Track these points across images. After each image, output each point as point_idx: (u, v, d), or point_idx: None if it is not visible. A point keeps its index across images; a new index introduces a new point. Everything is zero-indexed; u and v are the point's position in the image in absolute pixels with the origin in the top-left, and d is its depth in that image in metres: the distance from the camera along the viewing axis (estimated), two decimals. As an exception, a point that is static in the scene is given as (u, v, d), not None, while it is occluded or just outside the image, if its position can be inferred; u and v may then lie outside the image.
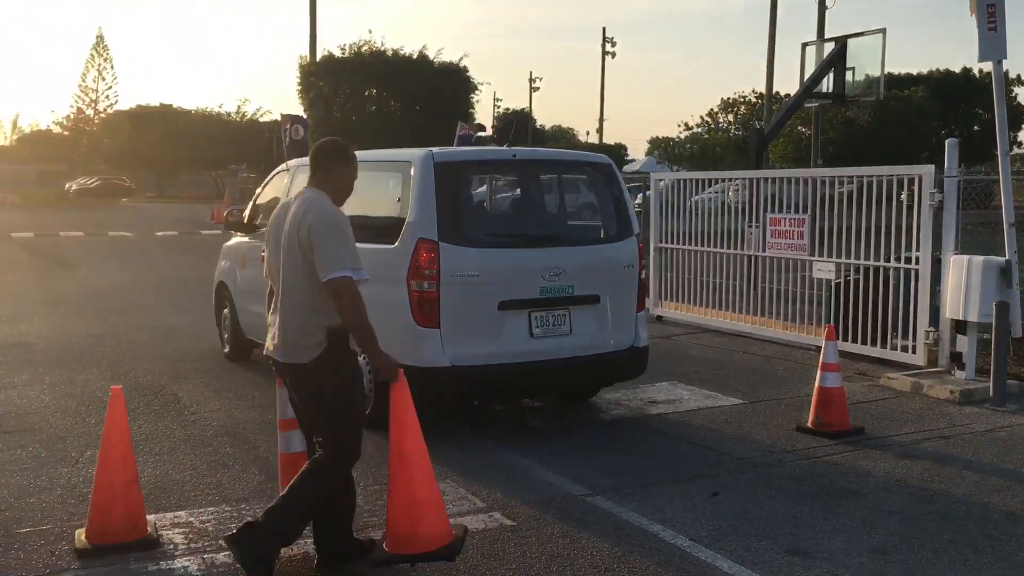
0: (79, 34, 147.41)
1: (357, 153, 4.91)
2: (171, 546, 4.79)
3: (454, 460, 6.16)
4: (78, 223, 35.37)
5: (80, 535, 4.76)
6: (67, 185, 65.83)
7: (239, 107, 74.83)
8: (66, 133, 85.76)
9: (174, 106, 73.13)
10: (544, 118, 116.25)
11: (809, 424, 6.98)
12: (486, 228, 7.45)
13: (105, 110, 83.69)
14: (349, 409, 4.36)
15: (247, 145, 64.44)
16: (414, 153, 6.92)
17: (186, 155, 68.77)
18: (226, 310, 9.84)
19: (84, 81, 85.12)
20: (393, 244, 6.65)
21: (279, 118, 22.85)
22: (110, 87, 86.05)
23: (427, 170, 6.66)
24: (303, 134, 20.22)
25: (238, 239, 9.79)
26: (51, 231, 30.90)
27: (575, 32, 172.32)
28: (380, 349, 4.28)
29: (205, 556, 4.68)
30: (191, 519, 5.16)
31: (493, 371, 6.64)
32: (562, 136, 77.76)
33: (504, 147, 7.66)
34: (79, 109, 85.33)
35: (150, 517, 4.97)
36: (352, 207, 7.65)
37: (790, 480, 5.92)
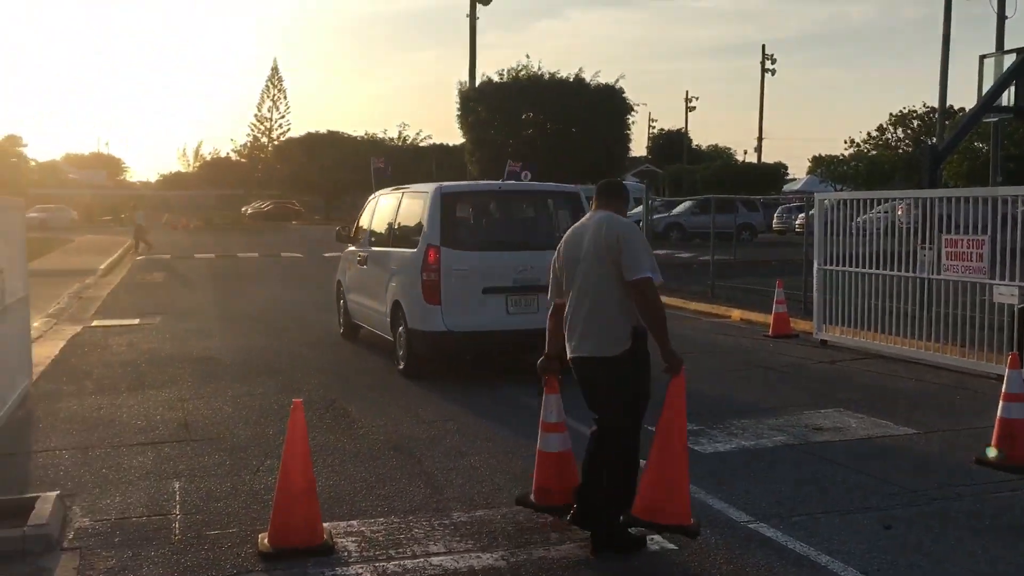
0: (259, 66, 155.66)
1: (408, 185, 9.82)
2: (345, 553, 5.03)
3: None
4: (253, 244, 37.55)
5: (263, 539, 5.07)
6: (243, 209, 70.01)
7: (400, 132, 77.52)
8: (243, 160, 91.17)
9: (341, 132, 76.45)
10: (700, 138, 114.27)
11: (990, 457, 6.60)
12: (476, 237, 10.18)
13: (278, 138, 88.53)
14: (646, 397, 5.07)
15: (408, 168, 66.63)
16: (431, 186, 9.95)
17: (351, 179, 71.67)
18: (342, 301, 12.61)
19: (260, 111, 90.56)
20: (415, 249, 9.65)
21: (440, 143, 27.02)
22: (283, 116, 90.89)
23: (436, 198, 9.57)
24: (388, 172, 25.64)
25: (351, 248, 12.39)
26: (230, 252, 32.94)
27: (732, 50, 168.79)
28: (671, 345, 4.87)
29: (376, 564, 4.89)
30: (363, 528, 5.40)
31: (478, 336, 9.47)
32: (718, 156, 76.20)
33: (499, 182, 11.75)
34: (255, 137, 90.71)
35: (326, 525, 5.23)
36: (400, 221, 10.80)
37: (970, 515, 5.62)
